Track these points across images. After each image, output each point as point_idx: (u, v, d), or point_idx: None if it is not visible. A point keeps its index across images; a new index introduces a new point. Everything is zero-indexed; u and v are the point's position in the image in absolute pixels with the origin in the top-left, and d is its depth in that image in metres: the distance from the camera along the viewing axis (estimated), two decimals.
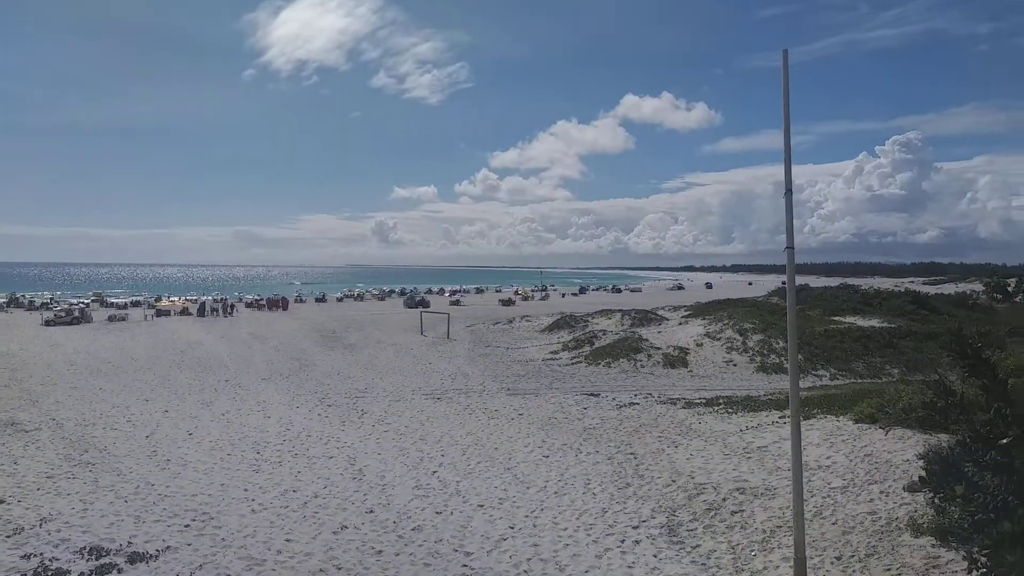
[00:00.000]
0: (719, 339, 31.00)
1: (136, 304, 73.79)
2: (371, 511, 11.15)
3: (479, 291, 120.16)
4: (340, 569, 8.89)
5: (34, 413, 19.27)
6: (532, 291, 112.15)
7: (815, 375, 26.11)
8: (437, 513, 10.98)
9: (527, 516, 10.71)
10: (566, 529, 10.06)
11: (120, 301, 77.80)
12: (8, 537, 10.02)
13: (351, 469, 13.70)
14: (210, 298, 79.37)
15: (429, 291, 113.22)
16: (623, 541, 9.47)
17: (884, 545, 7.93)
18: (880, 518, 8.62)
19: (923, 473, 6.03)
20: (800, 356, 27.41)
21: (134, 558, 9.25)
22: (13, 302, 71.64)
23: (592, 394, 21.92)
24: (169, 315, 58.40)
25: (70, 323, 48.64)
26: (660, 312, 46.40)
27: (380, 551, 9.46)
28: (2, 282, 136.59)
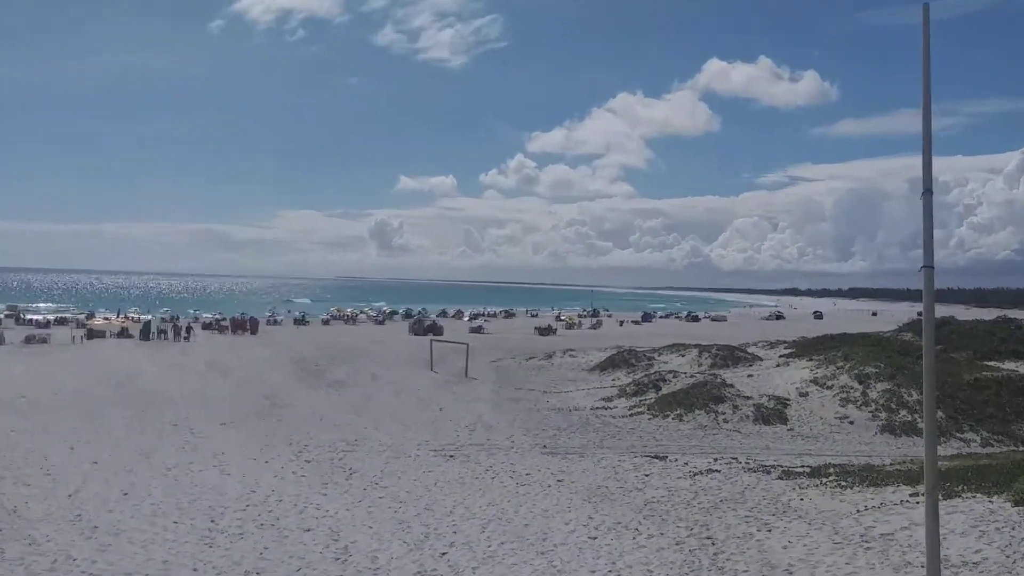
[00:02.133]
0: (830, 387, 30.76)
1: (61, 322, 75.57)
2: None
3: (508, 315, 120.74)
4: None
5: None
6: (580, 316, 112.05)
7: (961, 439, 25.81)
8: None
9: None
10: None
11: (41, 318, 79.69)
12: None
13: (334, 547, 13.76)
14: (158, 316, 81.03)
15: (443, 313, 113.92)
16: None
17: None
18: None
19: None
20: (941, 413, 27.23)
21: None
22: None
23: (657, 456, 21.87)
24: (104, 336, 59.61)
25: None
26: (751, 349, 46.30)
27: None
28: None
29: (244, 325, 70.17)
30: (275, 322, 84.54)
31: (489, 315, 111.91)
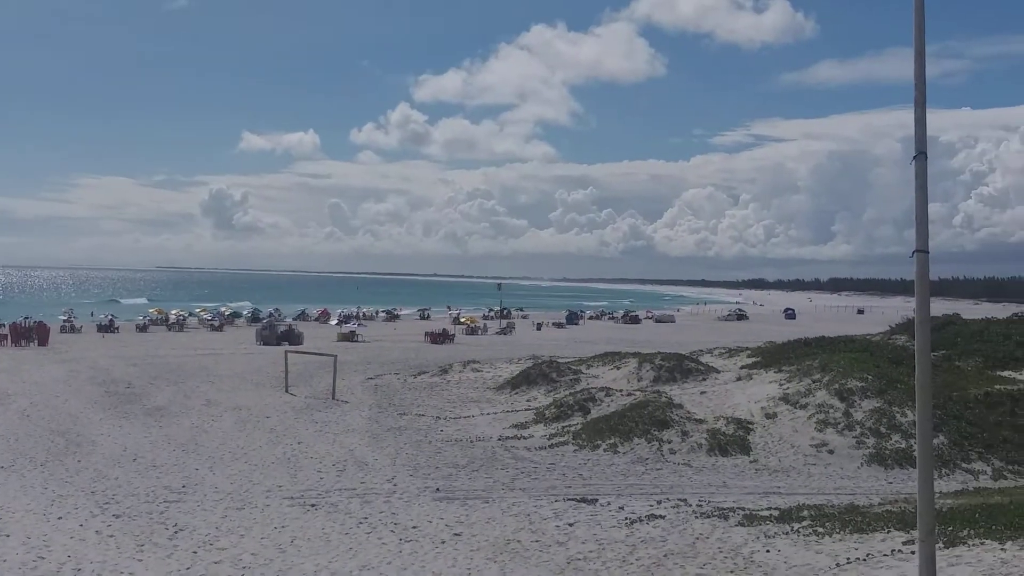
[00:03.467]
0: (804, 407, 31.52)
1: None
2: None
3: (391, 317, 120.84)
4: None
5: None
6: (485, 318, 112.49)
7: (967, 470, 26.60)
8: None
9: None
10: None
11: None
12: None
13: None
14: None
15: (303, 316, 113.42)
16: None
17: None
18: None
19: None
20: (941, 438, 28.08)
21: None
22: None
23: (584, 500, 22.02)
24: None
25: None
26: (705, 359, 47.03)
27: None
28: None
29: (28, 334, 67.81)
30: (72, 329, 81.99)
31: (365, 317, 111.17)
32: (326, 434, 31.95)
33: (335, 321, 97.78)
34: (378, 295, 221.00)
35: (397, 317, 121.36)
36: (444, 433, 32.36)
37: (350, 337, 76.00)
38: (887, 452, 27.93)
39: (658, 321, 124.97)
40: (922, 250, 6.61)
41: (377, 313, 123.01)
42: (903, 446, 28.08)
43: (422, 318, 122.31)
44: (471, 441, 30.79)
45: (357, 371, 49.44)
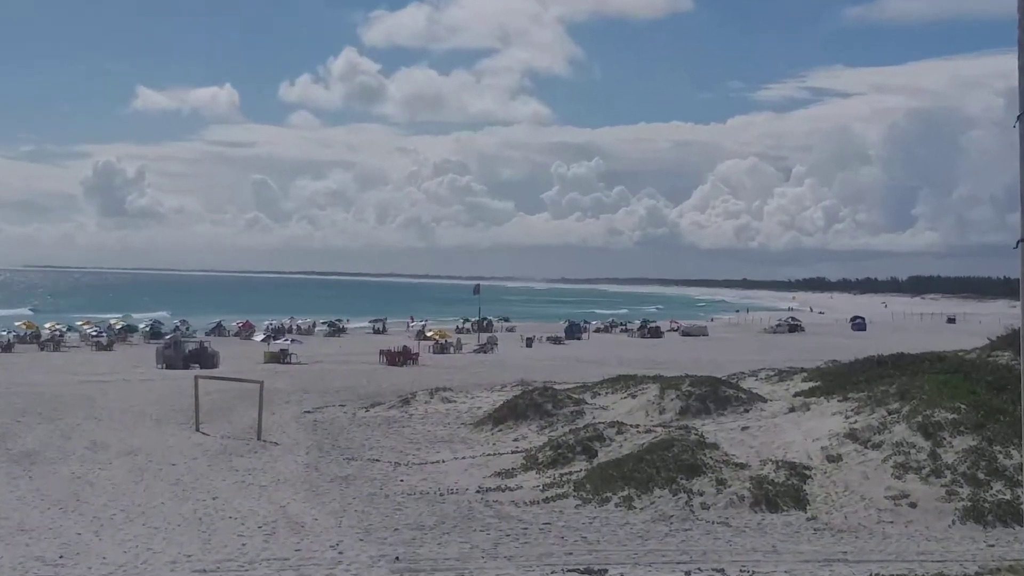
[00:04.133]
0: (878, 446, 31.39)
1: None
2: None
3: (336, 331, 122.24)
4: None
5: None
6: (459, 331, 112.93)
7: None
8: None
9: None
10: None
11: None
12: None
13: None
14: None
15: (218, 329, 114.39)
16: None
17: None
18: None
19: None
20: None
21: None
22: None
23: (591, 571, 21.94)
24: None
25: None
26: (748, 383, 47.24)
27: None
28: None
29: None
30: None
31: (301, 331, 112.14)
32: (250, 486, 31.84)
33: (261, 337, 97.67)
34: (319, 302, 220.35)
35: (343, 331, 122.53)
36: (405, 484, 32.26)
37: (281, 358, 76.22)
38: (986, 505, 27.41)
39: (686, 334, 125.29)
40: None
41: (315, 326, 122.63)
42: (1007, 497, 27.59)
43: (376, 332, 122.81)
44: (441, 494, 30.64)
45: (291, 402, 49.44)
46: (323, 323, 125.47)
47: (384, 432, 42.18)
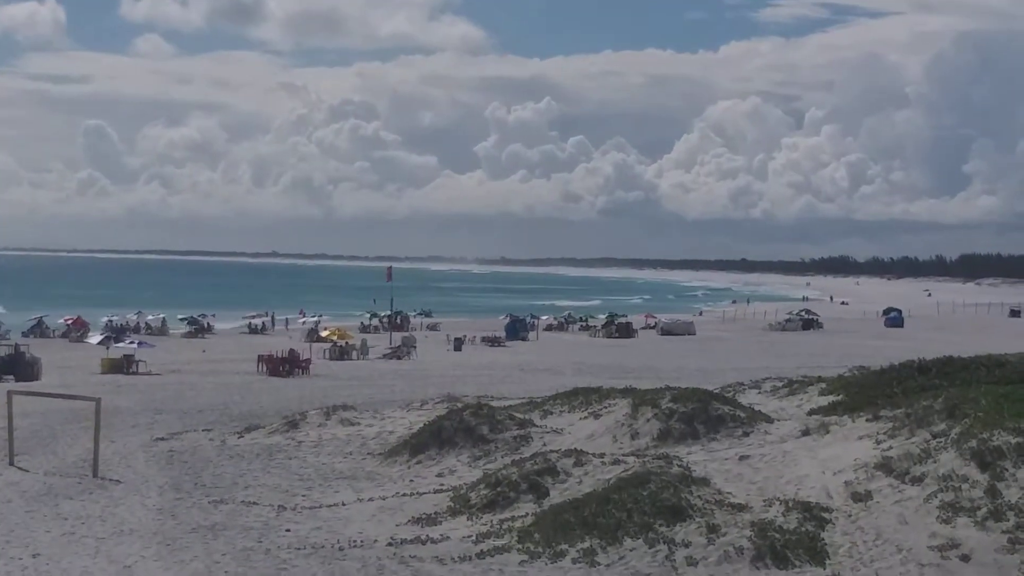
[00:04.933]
0: (919, 480, 27.37)
1: None
2: None
3: (198, 329, 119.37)
4: None
5: None
6: (364, 330, 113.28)
7: None
8: None
9: None
10: None
11: None
12: None
13: None
14: None
15: (39, 326, 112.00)
16: None
17: None
18: None
19: None
20: None
21: None
22: None
23: None
24: None
25: None
26: (748, 397, 43.81)
27: None
28: None
29: None
30: None
31: (153, 330, 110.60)
32: (83, 539, 27.37)
33: (98, 338, 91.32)
34: (176, 291, 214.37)
35: (209, 330, 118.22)
36: (293, 535, 27.72)
37: (125, 366, 71.57)
38: None
39: (666, 333, 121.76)
40: None
41: (170, 323, 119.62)
42: None
43: (253, 332, 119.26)
44: (340, 548, 26.07)
45: (138, 426, 45.09)
46: (181, 319, 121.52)
47: (264, 466, 37.95)
